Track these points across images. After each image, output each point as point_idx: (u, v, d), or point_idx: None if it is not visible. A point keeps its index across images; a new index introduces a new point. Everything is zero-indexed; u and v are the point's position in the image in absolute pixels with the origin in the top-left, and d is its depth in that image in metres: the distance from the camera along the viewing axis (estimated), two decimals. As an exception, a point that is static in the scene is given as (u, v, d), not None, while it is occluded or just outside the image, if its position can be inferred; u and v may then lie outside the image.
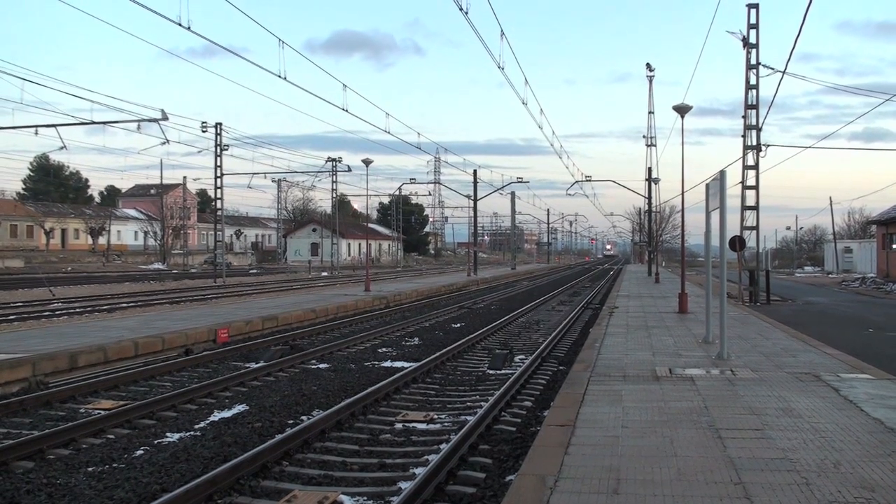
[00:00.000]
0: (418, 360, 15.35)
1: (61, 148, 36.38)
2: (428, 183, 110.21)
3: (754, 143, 32.23)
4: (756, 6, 31.43)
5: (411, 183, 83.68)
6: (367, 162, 38.94)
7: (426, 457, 8.69)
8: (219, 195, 53.40)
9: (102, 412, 10.73)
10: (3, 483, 7.76)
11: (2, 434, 9.85)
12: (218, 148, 51.60)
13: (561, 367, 14.97)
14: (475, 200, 68.05)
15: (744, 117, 32.48)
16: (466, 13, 19.75)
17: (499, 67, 25.46)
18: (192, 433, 9.93)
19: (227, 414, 11.04)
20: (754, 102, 32.30)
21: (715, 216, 14.52)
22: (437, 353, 15.92)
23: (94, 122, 36.07)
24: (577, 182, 63.93)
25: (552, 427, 8.28)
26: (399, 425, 10.40)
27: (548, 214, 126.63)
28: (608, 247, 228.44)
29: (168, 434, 9.88)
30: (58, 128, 34.83)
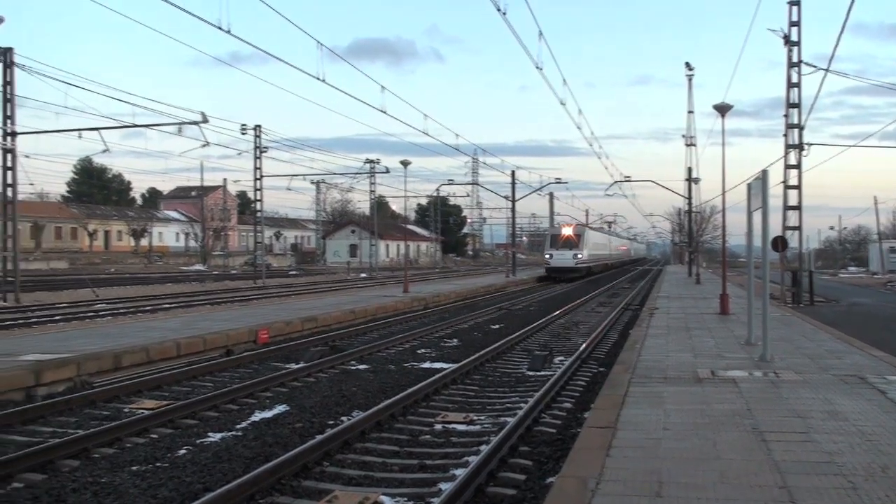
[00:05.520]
0: (457, 362, 15.33)
1: (104, 151, 36.81)
2: (465, 184, 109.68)
3: (796, 141, 31.82)
4: (798, 3, 31.04)
5: (449, 184, 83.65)
6: (405, 163, 39.09)
7: (466, 458, 8.68)
8: (258, 197, 53.88)
9: (146, 412, 10.85)
10: (50, 481, 7.88)
11: (48, 433, 10.01)
12: (257, 150, 52.02)
13: (601, 369, 14.88)
14: (513, 201, 67.86)
15: (785, 116, 32.10)
16: (504, 13, 19.72)
17: (537, 68, 25.43)
18: (233, 433, 10.02)
19: (268, 414, 11.12)
20: (796, 101, 31.89)
21: (757, 216, 14.35)
22: (477, 355, 15.91)
23: (136, 126, 36.49)
24: (616, 182, 62.67)
25: (593, 429, 8.23)
26: (439, 426, 10.41)
27: (586, 215, 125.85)
28: (565, 230, 61.67)
29: (210, 434, 9.96)
30: (101, 131, 35.35)
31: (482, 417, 10.98)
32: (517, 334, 19.83)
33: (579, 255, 57.68)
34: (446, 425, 10.46)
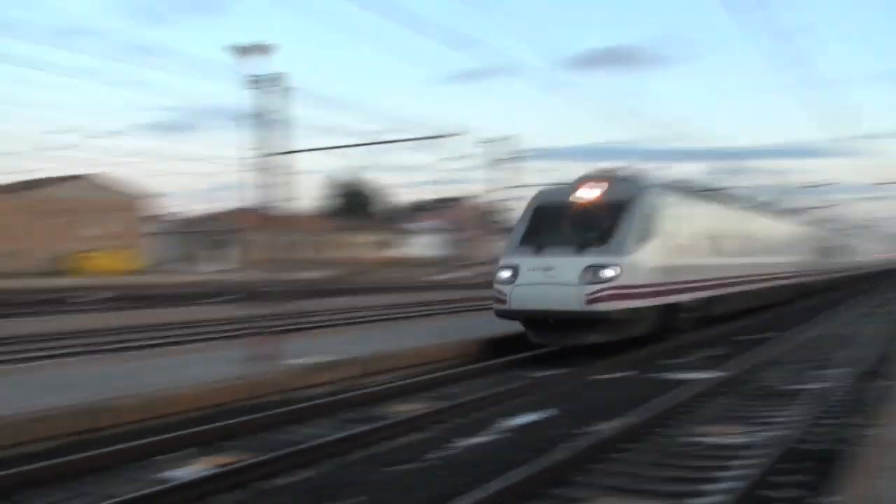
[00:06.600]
0: (721, 371, 14.74)
1: (364, 166, 39.09)
2: (721, 189, 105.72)
3: None
4: None
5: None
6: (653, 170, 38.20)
7: (728, 472, 8.32)
8: (511, 207, 54.83)
9: (409, 414, 11.40)
10: (321, 478, 8.45)
11: (331, 427, 10.84)
12: (510, 161, 52.86)
13: (883, 383, 13.73)
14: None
15: None
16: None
17: (794, 66, 23.97)
18: (490, 437, 10.21)
19: (524, 419, 11.23)
20: None
21: None
22: (742, 364, 15.24)
23: (393, 141, 38.24)
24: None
25: (875, 447, 7.63)
26: (697, 439, 10.05)
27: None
28: (583, 192, 17.72)
29: (470, 437, 10.19)
30: (363, 147, 37.37)
31: (745, 431, 10.47)
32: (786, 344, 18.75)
33: (610, 272, 15.52)
34: (705, 438, 10.07)
